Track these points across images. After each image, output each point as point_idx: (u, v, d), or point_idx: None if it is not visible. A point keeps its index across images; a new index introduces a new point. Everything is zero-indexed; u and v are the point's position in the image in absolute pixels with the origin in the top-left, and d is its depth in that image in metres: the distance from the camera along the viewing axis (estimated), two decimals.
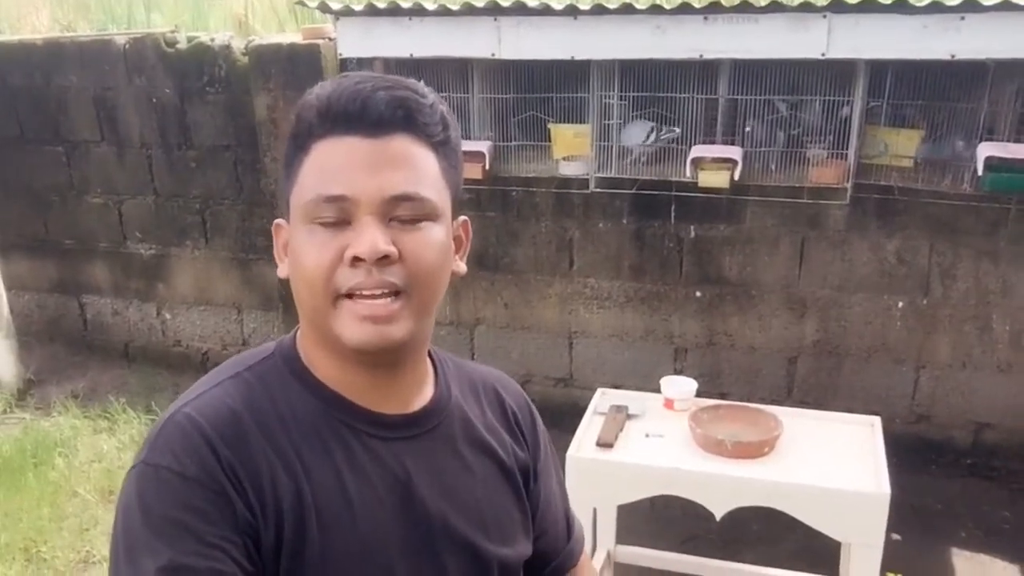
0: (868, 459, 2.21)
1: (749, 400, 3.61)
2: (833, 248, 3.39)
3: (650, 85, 3.15)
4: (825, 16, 2.80)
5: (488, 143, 3.33)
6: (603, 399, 2.65)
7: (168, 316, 4.44)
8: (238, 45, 3.80)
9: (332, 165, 0.84)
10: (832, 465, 2.18)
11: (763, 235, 3.44)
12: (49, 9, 5.01)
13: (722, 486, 2.16)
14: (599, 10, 2.94)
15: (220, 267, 4.25)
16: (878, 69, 3.01)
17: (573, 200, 3.58)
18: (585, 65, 3.12)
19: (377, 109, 0.84)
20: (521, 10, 3.04)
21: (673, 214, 3.46)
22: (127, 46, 3.95)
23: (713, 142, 3.12)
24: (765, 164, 3.18)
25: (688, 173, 3.05)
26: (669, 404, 2.58)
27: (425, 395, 0.97)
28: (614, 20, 2.96)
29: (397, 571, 0.89)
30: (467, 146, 3.30)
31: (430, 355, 1.01)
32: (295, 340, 0.95)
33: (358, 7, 3.29)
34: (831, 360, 3.54)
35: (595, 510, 2.43)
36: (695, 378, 3.19)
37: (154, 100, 3.99)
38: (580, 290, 3.72)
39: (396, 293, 0.85)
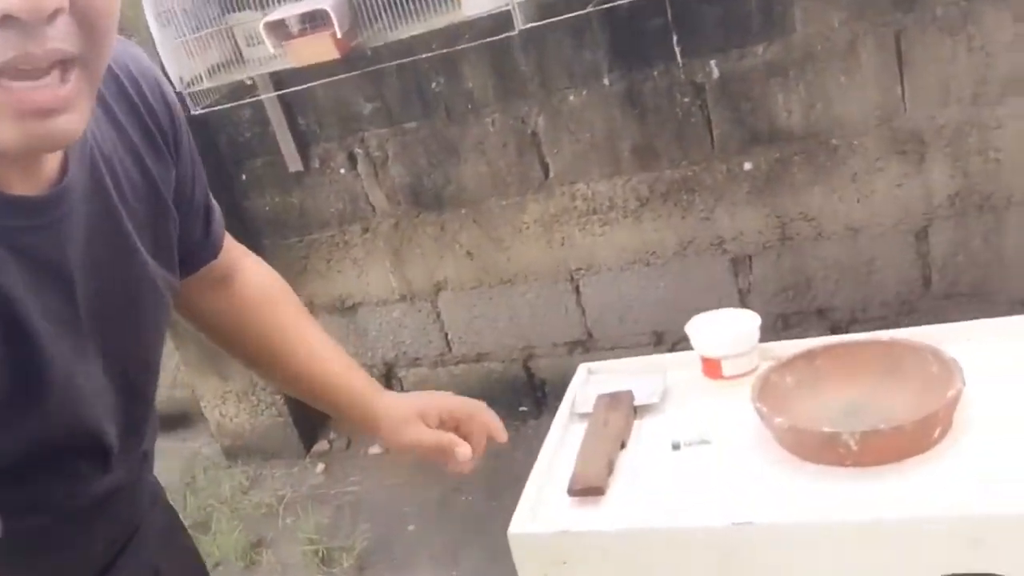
0: None
1: (865, 312, 2.33)
2: (951, 36, 2.04)
3: None
4: None
5: None
6: (587, 383, 1.39)
7: None
8: None
9: None
10: None
11: (829, 45, 2.11)
12: None
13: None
14: None
15: None
16: None
17: (518, 67, 2.32)
18: None
19: None
20: None
21: (676, 44, 2.14)
22: None
23: None
24: None
25: None
26: (712, 368, 1.30)
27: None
28: None
29: (81, 373, 0.72)
30: (302, 7, 2.03)
31: None
32: None
33: None
34: (985, 218, 2.19)
35: None
36: (771, 296, 1.96)
37: None
38: (567, 205, 2.44)
39: (65, 65, 0.59)
